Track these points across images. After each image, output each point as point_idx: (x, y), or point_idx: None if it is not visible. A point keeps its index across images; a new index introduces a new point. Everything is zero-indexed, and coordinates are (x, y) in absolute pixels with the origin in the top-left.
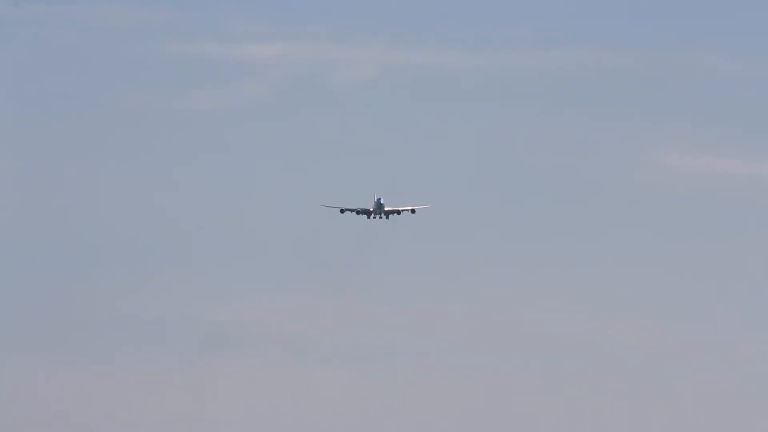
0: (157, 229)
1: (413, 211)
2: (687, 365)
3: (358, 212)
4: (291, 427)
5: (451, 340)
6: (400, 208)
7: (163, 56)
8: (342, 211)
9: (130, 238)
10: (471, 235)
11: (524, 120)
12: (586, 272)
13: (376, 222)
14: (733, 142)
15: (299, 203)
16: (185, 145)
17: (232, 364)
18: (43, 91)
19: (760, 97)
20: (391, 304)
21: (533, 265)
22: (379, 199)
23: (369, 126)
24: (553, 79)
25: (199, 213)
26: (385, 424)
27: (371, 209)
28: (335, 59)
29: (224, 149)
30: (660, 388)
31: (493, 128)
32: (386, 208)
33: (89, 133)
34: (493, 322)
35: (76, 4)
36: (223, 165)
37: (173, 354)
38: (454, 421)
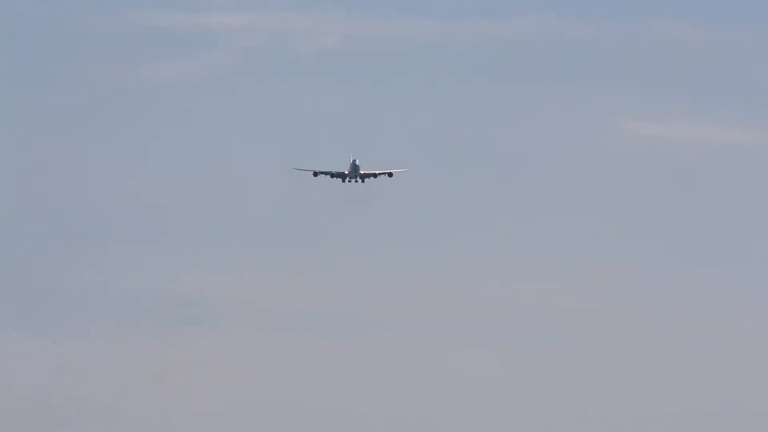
0: (126, 201)
1: (390, 174)
2: (651, 334)
3: (332, 175)
4: (259, 401)
5: (425, 310)
6: (377, 172)
7: (125, 27)
8: (315, 174)
9: (94, 211)
10: (441, 205)
11: (487, 89)
12: (552, 240)
13: (352, 186)
14: (694, 109)
15: (269, 172)
16: (150, 117)
17: (201, 337)
18: (0, 63)
19: (719, 64)
20: (367, 274)
21: (501, 234)
22: (355, 160)
23: (336, 95)
24: (514, 48)
25: (167, 185)
26: (359, 397)
27: (346, 172)
28: (299, 29)
29: (189, 120)
30: (619, 357)
31: (457, 97)
32: (362, 172)
33: (51, 105)
34: (469, 292)
35: None
36: (189, 136)
37: (142, 326)
38: (428, 394)
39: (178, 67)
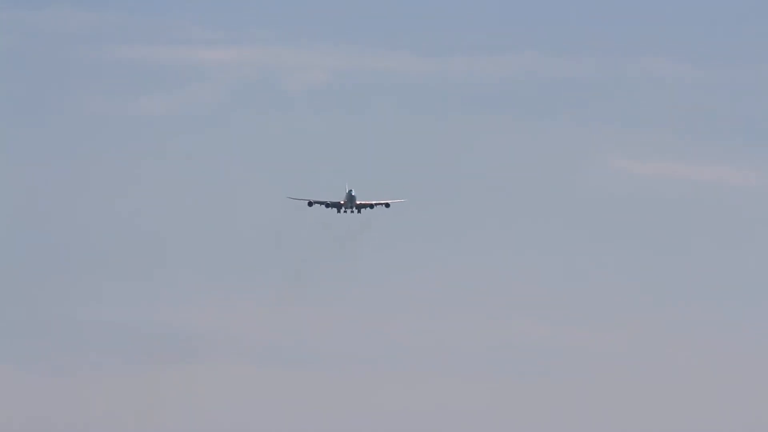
0: (112, 234)
1: (387, 205)
2: (639, 368)
3: (327, 205)
4: None
5: (418, 343)
6: (374, 202)
7: (113, 61)
8: (310, 203)
9: (79, 244)
10: (432, 237)
11: (475, 125)
12: (543, 275)
13: (347, 216)
14: (681, 146)
15: (259, 205)
16: (138, 151)
17: (189, 372)
18: None
19: (706, 102)
20: (363, 306)
21: (493, 268)
22: (351, 191)
23: (325, 128)
24: (501, 85)
25: (155, 219)
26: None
27: (342, 202)
28: (287, 63)
29: (178, 154)
30: (609, 389)
31: (444, 132)
32: (358, 202)
33: (40, 139)
34: (462, 324)
35: (26, 9)
36: (178, 169)
37: (135, 361)
38: (420, 426)
39: (167, 101)
